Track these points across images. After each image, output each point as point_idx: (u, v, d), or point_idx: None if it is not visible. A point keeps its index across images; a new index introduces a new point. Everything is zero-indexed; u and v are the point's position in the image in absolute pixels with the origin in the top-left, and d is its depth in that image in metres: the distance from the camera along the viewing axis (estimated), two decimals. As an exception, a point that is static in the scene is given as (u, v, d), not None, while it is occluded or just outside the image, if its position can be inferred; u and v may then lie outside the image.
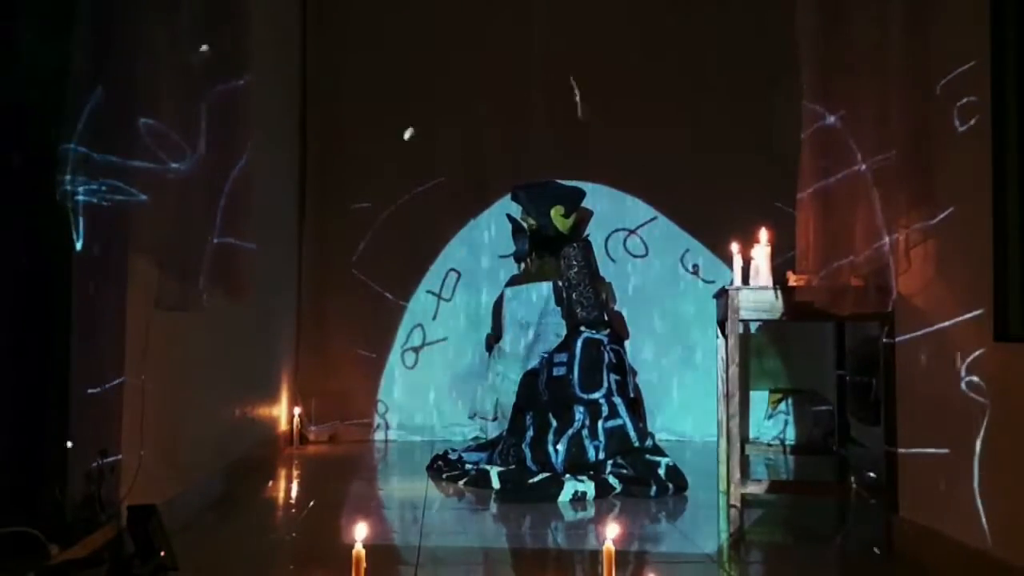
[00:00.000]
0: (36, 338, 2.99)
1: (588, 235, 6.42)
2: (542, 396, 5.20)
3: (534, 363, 5.78)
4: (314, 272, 6.62)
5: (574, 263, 5.57)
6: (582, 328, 5.34)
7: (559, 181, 6.40)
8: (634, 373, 5.69)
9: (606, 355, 5.20)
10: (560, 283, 5.65)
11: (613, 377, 5.16)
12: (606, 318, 5.52)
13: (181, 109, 3.22)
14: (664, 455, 4.87)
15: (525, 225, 6.34)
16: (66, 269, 2.99)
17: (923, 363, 3.29)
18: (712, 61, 6.50)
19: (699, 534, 3.88)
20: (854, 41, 3.26)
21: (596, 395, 5.08)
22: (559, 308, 5.82)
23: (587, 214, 6.54)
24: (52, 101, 2.95)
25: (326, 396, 6.48)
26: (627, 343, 5.72)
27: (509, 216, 6.47)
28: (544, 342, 6.06)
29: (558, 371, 5.19)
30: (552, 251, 6.35)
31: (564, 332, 5.93)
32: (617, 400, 5.09)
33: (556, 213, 6.30)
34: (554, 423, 5.02)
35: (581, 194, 6.43)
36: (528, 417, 5.15)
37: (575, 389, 5.10)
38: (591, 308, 5.44)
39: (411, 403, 6.58)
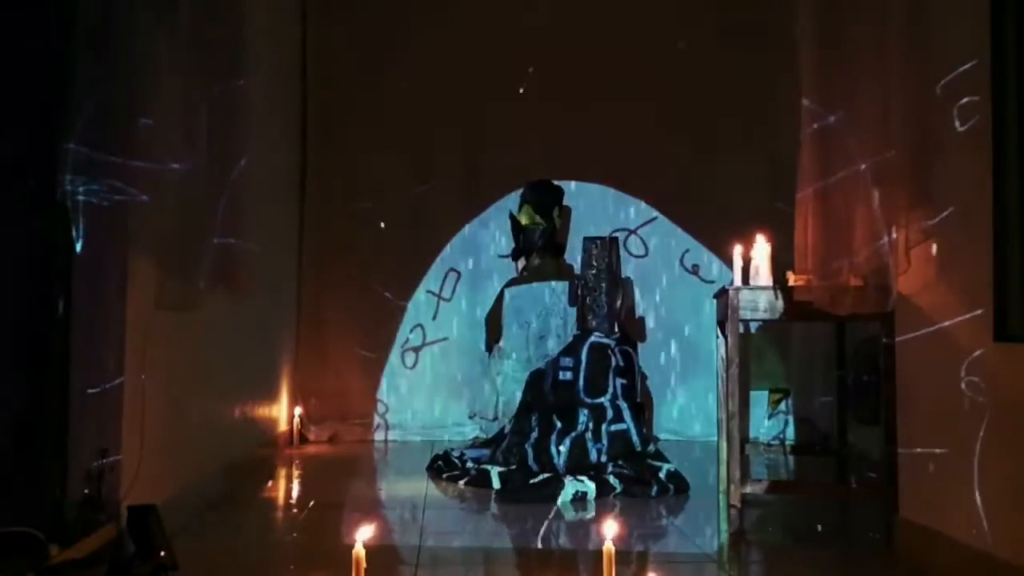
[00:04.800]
0: (36, 338, 2.98)
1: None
2: (548, 398, 5.20)
3: (537, 363, 5.78)
4: (314, 272, 6.62)
5: (594, 263, 5.49)
6: (590, 331, 5.32)
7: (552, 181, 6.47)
8: (643, 377, 5.68)
9: (613, 359, 5.18)
10: (577, 280, 5.59)
11: (619, 381, 5.14)
12: (615, 326, 5.48)
13: (181, 109, 3.22)
14: (666, 461, 4.86)
15: (533, 225, 6.35)
16: (66, 269, 2.99)
17: (923, 363, 3.29)
18: (712, 60, 6.50)
19: (699, 534, 3.89)
20: (854, 41, 3.26)
21: (601, 399, 5.07)
22: (570, 308, 5.80)
23: (568, 212, 6.63)
24: (52, 101, 2.95)
25: (326, 396, 6.48)
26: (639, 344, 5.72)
27: (512, 215, 6.47)
28: (547, 342, 6.06)
29: (564, 375, 5.17)
30: (551, 251, 6.39)
31: (568, 332, 5.93)
32: (622, 404, 5.07)
33: (556, 214, 6.38)
34: (558, 424, 5.01)
35: (563, 194, 6.51)
36: (534, 417, 5.15)
37: (580, 394, 5.09)
38: (602, 319, 5.39)
39: (411, 403, 6.58)
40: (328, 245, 6.63)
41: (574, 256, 6.21)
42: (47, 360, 2.98)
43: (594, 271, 5.45)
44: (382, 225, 6.55)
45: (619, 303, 5.50)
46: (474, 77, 6.60)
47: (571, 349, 5.32)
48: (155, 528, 2.92)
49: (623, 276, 5.76)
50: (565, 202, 6.57)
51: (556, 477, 4.67)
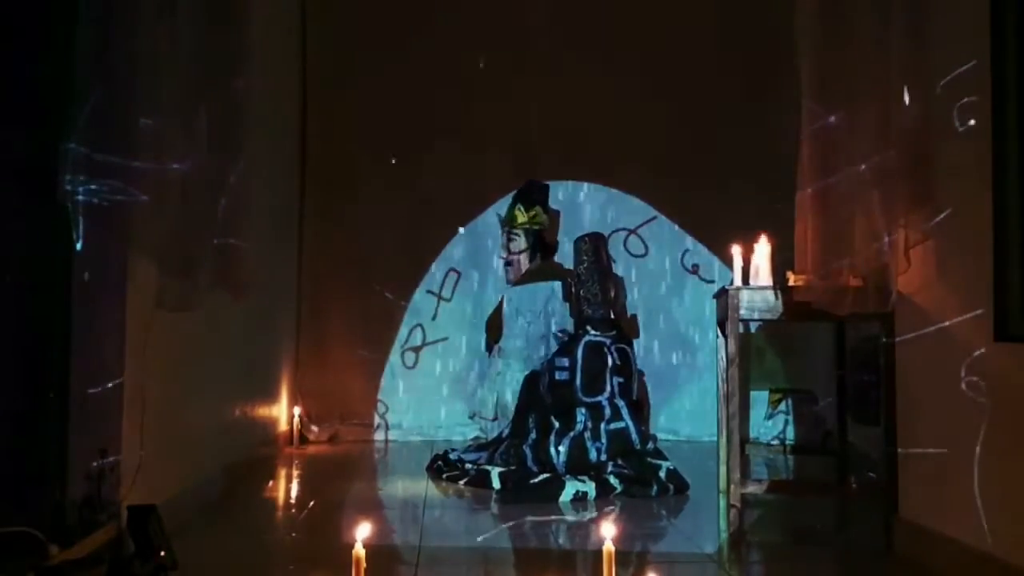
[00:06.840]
0: (36, 338, 2.98)
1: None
2: (545, 399, 5.20)
3: (537, 363, 5.78)
4: (314, 272, 6.62)
5: (584, 258, 5.52)
6: (587, 328, 5.32)
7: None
8: (641, 374, 5.68)
9: (610, 357, 5.18)
10: (570, 279, 5.62)
11: (616, 379, 5.14)
12: (612, 316, 5.50)
13: (181, 109, 3.22)
14: (665, 459, 4.87)
15: (539, 225, 6.35)
16: (66, 269, 2.99)
17: (923, 363, 3.29)
18: (712, 60, 6.49)
19: (699, 534, 3.88)
20: (854, 41, 3.26)
21: (599, 398, 5.07)
22: (567, 303, 5.81)
23: None
24: (52, 101, 2.95)
25: (326, 396, 6.48)
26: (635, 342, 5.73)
27: (521, 215, 6.46)
28: (548, 342, 6.07)
29: (560, 375, 5.17)
30: (551, 251, 6.40)
31: (567, 330, 5.93)
32: (620, 402, 5.08)
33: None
34: (556, 425, 5.01)
35: None
36: (531, 419, 5.15)
37: (578, 394, 5.09)
38: (597, 306, 5.40)
39: (411, 403, 6.57)
40: (328, 245, 6.62)
41: (563, 258, 6.24)
42: (47, 360, 2.98)
43: (584, 264, 5.48)
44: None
45: (613, 293, 5.51)
46: (475, 77, 6.60)
47: (566, 350, 5.32)
48: (155, 528, 2.92)
49: (614, 274, 5.77)
50: (562, 202, 6.59)
51: (556, 477, 4.67)
